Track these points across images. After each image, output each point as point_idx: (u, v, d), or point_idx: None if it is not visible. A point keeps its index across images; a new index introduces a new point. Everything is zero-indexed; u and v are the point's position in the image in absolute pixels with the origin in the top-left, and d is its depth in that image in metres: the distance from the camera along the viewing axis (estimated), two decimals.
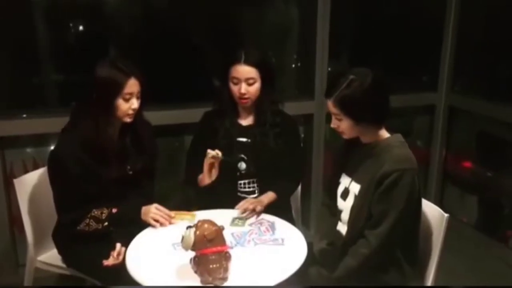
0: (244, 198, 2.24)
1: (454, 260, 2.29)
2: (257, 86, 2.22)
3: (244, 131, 2.31)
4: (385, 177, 1.71)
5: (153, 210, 2.03)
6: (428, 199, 1.97)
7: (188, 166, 2.41)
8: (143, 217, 2.04)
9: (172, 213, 2.05)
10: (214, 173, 2.16)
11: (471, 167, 3.71)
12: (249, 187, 2.30)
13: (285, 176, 2.30)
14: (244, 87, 2.19)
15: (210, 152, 2.11)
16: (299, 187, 2.55)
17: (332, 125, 1.85)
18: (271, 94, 2.30)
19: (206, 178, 2.18)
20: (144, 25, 3.10)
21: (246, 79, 2.19)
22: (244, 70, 2.19)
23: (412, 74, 3.74)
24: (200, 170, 2.21)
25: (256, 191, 2.30)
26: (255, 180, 2.30)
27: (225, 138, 2.27)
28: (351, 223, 1.83)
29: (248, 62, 2.19)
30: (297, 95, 3.49)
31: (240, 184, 2.30)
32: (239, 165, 2.28)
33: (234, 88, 2.22)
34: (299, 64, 3.51)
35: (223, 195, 2.21)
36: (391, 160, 1.73)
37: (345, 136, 1.85)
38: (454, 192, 3.76)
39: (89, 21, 3.01)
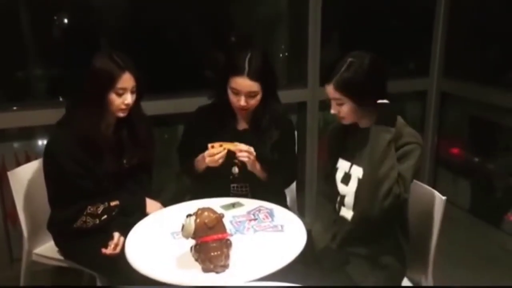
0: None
1: (449, 244, 2.32)
2: (258, 98, 2.09)
3: (239, 135, 2.17)
4: (399, 147, 1.73)
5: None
6: None
7: (182, 159, 2.30)
8: (148, 210, 2.07)
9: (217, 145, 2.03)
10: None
11: (463, 152, 3.74)
12: (241, 190, 2.23)
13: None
14: (244, 100, 2.05)
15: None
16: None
17: (332, 111, 1.84)
18: (272, 102, 2.17)
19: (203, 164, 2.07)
20: (133, 14, 3.07)
21: (247, 92, 2.04)
22: (246, 84, 2.02)
23: (403, 60, 3.75)
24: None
25: (249, 194, 2.23)
26: (247, 184, 2.22)
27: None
28: (357, 206, 1.83)
29: (251, 76, 2.01)
30: (290, 83, 3.48)
31: (233, 187, 2.24)
32: (232, 169, 2.20)
33: (233, 98, 2.08)
34: (291, 52, 3.50)
35: (215, 196, 2.13)
36: (403, 136, 1.74)
37: (345, 122, 1.85)
38: (446, 176, 3.79)
39: (78, 13, 2.97)
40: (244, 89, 2.03)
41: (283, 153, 2.20)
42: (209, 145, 2.00)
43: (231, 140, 2.07)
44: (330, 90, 1.78)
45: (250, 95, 2.05)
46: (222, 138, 2.06)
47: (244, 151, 2.02)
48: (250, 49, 2.06)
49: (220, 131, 2.14)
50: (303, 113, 3.30)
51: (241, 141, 2.08)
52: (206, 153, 2.01)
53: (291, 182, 2.45)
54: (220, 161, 2.00)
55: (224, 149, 1.99)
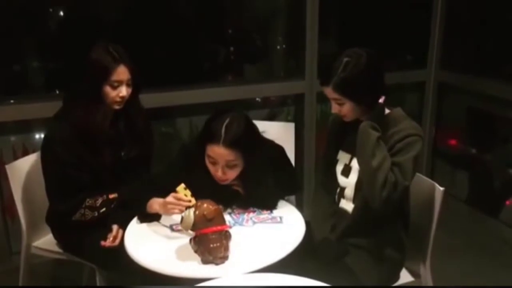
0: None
1: (447, 234, 2.33)
2: (238, 169, 1.85)
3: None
4: (401, 139, 1.72)
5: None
6: None
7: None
8: (161, 211, 1.85)
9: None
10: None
11: (461, 143, 3.75)
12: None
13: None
14: (222, 171, 1.82)
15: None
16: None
17: (333, 111, 1.83)
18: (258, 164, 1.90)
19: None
20: (130, 6, 3.06)
21: (225, 162, 1.81)
22: (223, 153, 1.78)
23: (401, 52, 3.75)
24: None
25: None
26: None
27: (209, 189, 1.88)
28: (358, 198, 1.84)
29: (227, 144, 1.76)
30: (287, 75, 3.48)
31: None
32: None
33: (211, 168, 1.85)
34: (289, 44, 3.49)
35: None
36: (405, 128, 1.74)
37: (347, 119, 1.84)
38: (444, 168, 3.81)
39: (74, 5, 2.96)
40: (220, 158, 1.79)
41: (279, 174, 2.00)
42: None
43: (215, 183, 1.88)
44: (329, 91, 1.77)
45: (228, 164, 1.81)
46: (213, 188, 1.88)
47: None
48: (230, 114, 1.82)
49: (209, 183, 1.89)
50: (301, 105, 3.30)
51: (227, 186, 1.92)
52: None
53: (294, 193, 2.36)
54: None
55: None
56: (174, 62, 3.11)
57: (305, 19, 3.12)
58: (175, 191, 1.78)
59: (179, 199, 1.76)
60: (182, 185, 1.77)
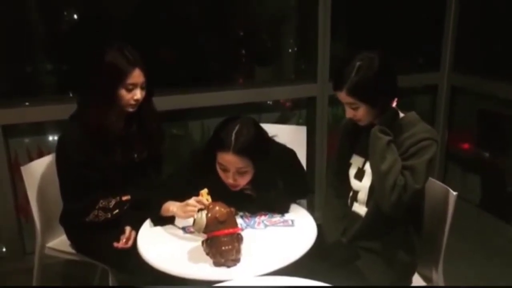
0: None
1: (459, 238, 2.32)
2: (250, 175, 1.85)
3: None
4: (415, 143, 1.72)
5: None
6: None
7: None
8: (179, 213, 1.84)
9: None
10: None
11: (473, 146, 3.72)
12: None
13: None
14: (233, 178, 1.83)
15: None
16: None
17: (347, 115, 1.83)
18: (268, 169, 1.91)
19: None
20: (143, 9, 3.08)
21: (236, 169, 1.81)
22: (233, 160, 1.78)
23: (413, 54, 3.74)
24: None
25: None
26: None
27: (221, 192, 1.84)
28: (372, 202, 1.84)
29: (237, 152, 1.77)
30: (299, 78, 3.48)
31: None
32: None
33: (222, 174, 1.85)
34: (300, 47, 3.49)
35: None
36: (419, 132, 1.74)
37: (362, 123, 1.84)
38: (456, 171, 3.78)
39: (87, 8, 2.99)
40: (231, 165, 1.80)
41: (291, 177, 2.00)
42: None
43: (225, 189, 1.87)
44: (343, 96, 1.77)
45: (238, 171, 1.82)
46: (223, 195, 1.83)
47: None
48: (239, 121, 1.82)
49: (220, 189, 1.86)
50: (313, 108, 3.30)
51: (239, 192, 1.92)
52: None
53: (306, 197, 2.39)
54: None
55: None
56: (185, 64, 3.13)
57: (317, 21, 3.12)
58: (197, 195, 1.77)
59: (200, 202, 1.75)
60: (206, 190, 1.76)
